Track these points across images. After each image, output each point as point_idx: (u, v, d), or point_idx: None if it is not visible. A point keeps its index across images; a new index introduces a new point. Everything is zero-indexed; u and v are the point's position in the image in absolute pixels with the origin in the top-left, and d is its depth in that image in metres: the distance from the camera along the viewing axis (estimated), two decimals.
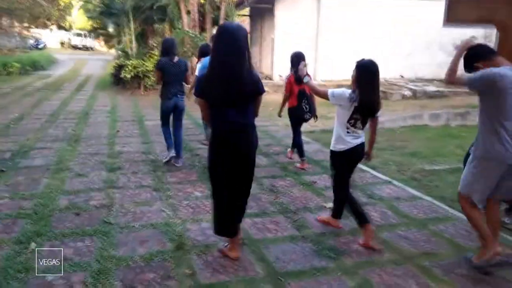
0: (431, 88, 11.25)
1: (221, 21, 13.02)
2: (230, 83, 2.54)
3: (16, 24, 32.34)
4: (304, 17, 14.47)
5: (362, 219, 3.12)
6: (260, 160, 5.43)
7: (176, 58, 5.04)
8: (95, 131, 6.98)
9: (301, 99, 5.02)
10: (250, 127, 2.74)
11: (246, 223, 3.40)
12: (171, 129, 5.26)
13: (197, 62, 6.10)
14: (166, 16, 14.41)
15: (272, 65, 15.00)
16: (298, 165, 5.19)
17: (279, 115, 5.45)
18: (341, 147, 3.10)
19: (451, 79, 2.72)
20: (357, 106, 2.97)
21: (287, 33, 14.37)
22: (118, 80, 12.59)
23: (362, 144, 3.15)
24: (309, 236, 3.26)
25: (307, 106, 5.06)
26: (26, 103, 9.97)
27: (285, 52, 14.14)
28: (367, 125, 3.16)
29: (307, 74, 3.29)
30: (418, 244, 3.17)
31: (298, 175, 4.83)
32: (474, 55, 2.73)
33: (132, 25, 12.83)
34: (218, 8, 13.55)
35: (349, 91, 3.01)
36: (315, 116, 5.25)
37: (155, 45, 13.34)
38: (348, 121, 3.04)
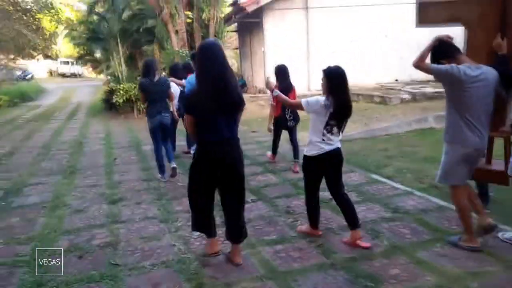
0: (429, 89, 11.09)
1: (212, 37, 12.87)
2: (223, 95, 2.64)
3: (1, 56, 32.10)
4: (293, 29, 14.38)
5: (314, 223, 3.40)
6: (268, 178, 5.16)
7: (156, 77, 5.20)
8: (91, 161, 6.66)
9: (284, 109, 5.42)
10: (237, 139, 2.86)
11: (267, 253, 3.10)
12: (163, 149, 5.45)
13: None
14: (154, 37, 14.24)
15: (264, 78, 14.82)
16: (292, 167, 5.51)
17: (269, 130, 5.79)
18: (314, 152, 3.18)
19: (419, 63, 2.98)
20: (332, 112, 3.05)
21: (278, 45, 14.26)
22: (110, 105, 12.30)
23: (335, 150, 3.19)
24: (339, 262, 2.95)
25: (290, 115, 5.52)
26: (17, 136, 9.62)
27: (276, 64, 14.05)
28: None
29: (275, 88, 3.41)
30: (460, 262, 2.88)
31: None
32: (441, 52, 2.99)
33: (120, 49, 12.61)
34: (207, 26, 13.42)
35: (323, 98, 3.08)
36: (296, 121, 5.65)
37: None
38: (324, 128, 3.10)
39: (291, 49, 14.22)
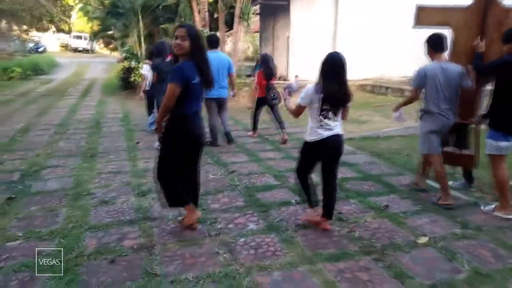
0: None
1: (236, 19, 12.29)
2: (209, 72, 3.07)
3: (15, 27, 31.58)
4: (321, 15, 13.72)
5: (311, 202, 3.43)
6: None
7: (168, 58, 5.63)
8: (112, 144, 6.23)
9: (268, 90, 6.43)
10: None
11: (330, 271, 2.67)
12: None
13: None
14: (175, 15, 13.68)
15: (287, 65, 14.25)
16: (278, 137, 6.44)
17: (249, 108, 6.82)
18: (312, 138, 3.22)
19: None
20: (324, 97, 3.08)
21: (304, 31, 13.63)
22: (127, 84, 11.84)
23: (334, 136, 3.17)
24: None
25: (273, 95, 6.45)
26: (31, 112, 9.23)
27: (302, 51, 13.42)
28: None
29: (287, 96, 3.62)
30: None
31: (361, 195, 4.07)
32: (430, 42, 3.85)
33: (141, 25, 12.07)
34: (232, 7, 12.81)
35: (312, 85, 3.14)
36: (279, 100, 6.44)
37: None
38: (319, 114, 3.13)
39: (318, 36, 13.59)
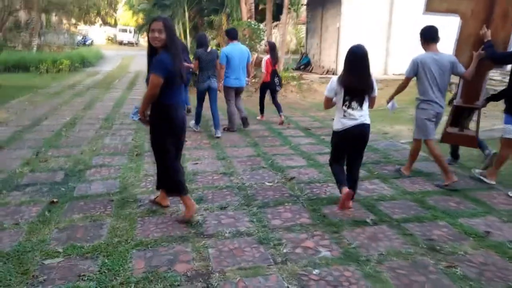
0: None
1: (285, 10, 11.68)
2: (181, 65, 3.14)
3: (64, 21, 32.58)
4: (375, 4, 12.81)
5: (343, 182, 3.41)
6: (382, 189, 4.05)
7: (209, 49, 6.25)
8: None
9: (273, 76, 7.09)
10: None
11: None
12: (204, 109, 6.45)
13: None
14: (221, 7, 13.26)
15: (336, 58, 13.47)
16: (278, 121, 7.19)
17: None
18: (338, 127, 3.39)
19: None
20: (344, 88, 3.25)
21: (356, 21, 12.79)
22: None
23: (359, 126, 3.30)
24: None
25: (277, 81, 7.18)
26: (77, 104, 9.12)
27: (354, 42, 12.65)
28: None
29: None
30: None
31: (450, 216, 3.39)
32: (423, 34, 4.13)
33: (187, 17, 11.72)
34: None
35: (336, 77, 3.37)
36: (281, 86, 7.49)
37: (212, 38, 12.17)
38: (343, 105, 3.30)
39: (371, 27, 12.71)
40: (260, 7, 14.90)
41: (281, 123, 7.11)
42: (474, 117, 4.63)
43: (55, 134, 6.22)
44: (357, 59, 3.25)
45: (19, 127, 6.66)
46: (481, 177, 4.17)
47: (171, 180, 3.33)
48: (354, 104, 3.27)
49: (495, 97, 4.30)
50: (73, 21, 32.43)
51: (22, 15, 21.05)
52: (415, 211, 3.49)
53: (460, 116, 4.52)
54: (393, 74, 12.75)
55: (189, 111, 7.46)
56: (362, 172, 4.51)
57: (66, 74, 15.88)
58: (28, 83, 12.77)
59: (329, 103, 3.48)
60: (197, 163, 4.85)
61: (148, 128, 3.29)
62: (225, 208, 3.52)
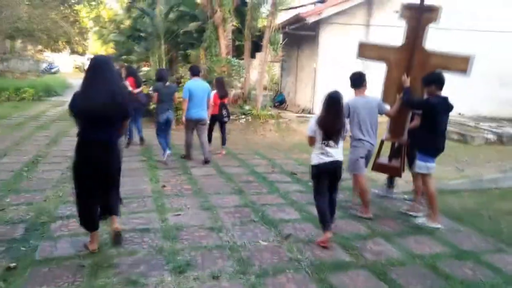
0: None
1: (265, 49, 11.61)
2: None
3: (30, 47, 31.41)
4: (351, 46, 12.98)
5: (326, 226, 3.69)
6: (388, 251, 3.68)
7: (167, 83, 6.87)
8: (135, 186, 5.31)
9: (221, 109, 7.41)
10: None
11: None
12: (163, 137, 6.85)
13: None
14: (196, 41, 13.06)
15: (313, 97, 13.45)
16: (219, 153, 7.52)
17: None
18: (315, 162, 3.73)
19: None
20: (322, 128, 3.64)
21: (332, 63, 12.88)
22: (145, 111, 11.03)
23: (334, 162, 3.68)
24: None
25: (225, 112, 7.51)
26: (41, 139, 8.38)
27: (329, 82, 12.68)
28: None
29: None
30: None
31: (468, 287, 3.08)
32: (352, 80, 4.67)
33: (163, 51, 11.39)
34: (259, 35, 12.17)
35: (314, 119, 3.74)
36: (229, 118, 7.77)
37: (181, 73, 11.83)
38: (322, 142, 3.68)
39: (346, 67, 12.82)
40: (236, 43, 14.83)
41: (221, 154, 7.58)
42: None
43: (15, 175, 5.53)
44: (334, 104, 3.63)
45: None
46: (426, 224, 4.39)
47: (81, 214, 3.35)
48: (331, 142, 3.65)
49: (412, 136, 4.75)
50: (40, 48, 31.39)
51: None
52: (431, 280, 3.15)
53: (390, 149, 5.10)
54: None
55: (142, 139, 8.32)
56: (363, 230, 4.18)
57: (29, 104, 14.95)
58: None
59: (313, 140, 3.78)
60: (179, 214, 4.34)
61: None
62: (218, 278, 3.04)
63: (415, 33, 4.63)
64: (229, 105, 11.87)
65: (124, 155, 7.11)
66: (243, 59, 12.49)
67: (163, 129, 6.76)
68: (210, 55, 11.52)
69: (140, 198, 4.82)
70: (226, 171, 6.38)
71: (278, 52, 11.18)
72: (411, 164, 4.84)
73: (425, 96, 4.43)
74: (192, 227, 4.01)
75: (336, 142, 3.66)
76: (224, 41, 11.83)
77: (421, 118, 4.44)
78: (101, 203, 3.39)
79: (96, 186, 3.24)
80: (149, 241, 3.63)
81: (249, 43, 12.13)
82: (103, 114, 3.08)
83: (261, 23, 12.53)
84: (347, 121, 3.89)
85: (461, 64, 4.45)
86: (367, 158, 4.59)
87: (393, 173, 5.17)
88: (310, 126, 3.75)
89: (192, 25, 13.11)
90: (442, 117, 4.33)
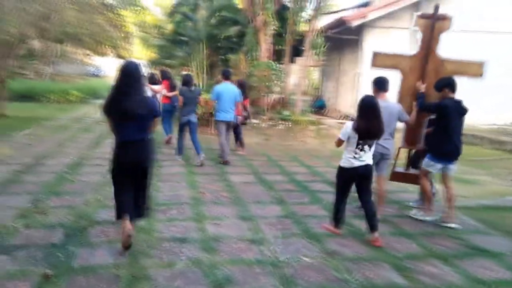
0: None
1: (306, 52, 11.34)
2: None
3: (78, 51, 32.79)
4: (398, 50, 12.47)
5: (337, 223, 4.02)
6: (446, 274, 3.31)
7: (193, 87, 7.10)
8: (173, 192, 5.21)
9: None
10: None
11: None
12: (184, 139, 7.21)
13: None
14: (237, 46, 12.99)
15: (355, 103, 12.99)
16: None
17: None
18: (346, 165, 3.83)
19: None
20: (358, 133, 3.68)
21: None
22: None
23: (365, 166, 3.79)
24: None
25: (246, 114, 8.19)
26: (85, 141, 8.56)
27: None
28: None
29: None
30: None
31: None
32: (375, 83, 4.55)
33: (205, 55, 11.39)
34: (299, 40, 11.91)
35: (351, 123, 3.78)
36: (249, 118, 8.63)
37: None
38: (356, 147, 3.74)
39: (391, 73, 12.31)
40: (277, 48, 14.63)
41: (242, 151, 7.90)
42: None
43: (57, 177, 5.59)
44: (369, 108, 3.66)
45: (19, 166, 6.05)
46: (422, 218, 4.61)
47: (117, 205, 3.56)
48: (366, 147, 3.71)
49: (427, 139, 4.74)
50: (87, 52, 32.66)
51: (36, 44, 21.04)
52: None
53: (407, 157, 5.15)
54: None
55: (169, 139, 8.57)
56: (416, 248, 3.82)
57: (74, 106, 15.51)
58: (36, 114, 12.34)
59: (341, 143, 3.89)
60: (218, 224, 4.17)
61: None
62: None
63: (429, 41, 4.77)
64: (268, 111, 11.73)
65: (165, 159, 7.12)
66: (282, 63, 12.27)
67: (183, 131, 7.09)
68: (251, 60, 11.39)
69: (179, 205, 4.69)
70: (266, 179, 6.17)
71: (320, 56, 10.83)
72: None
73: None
74: (231, 238, 3.82)
75: (370, 146, 3.74)
76: (265, 45, 11.67)
77: (435, 121, 4.48)
78: (133, 200, 3.48)
79: (130, 182, 3.43)
80: (187, 252, 3.47)
81: (289, 47, 11.90)
82: (135, 115, 3.25)
83: (301, 27, 12.24)
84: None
85: (476, 70, 4.74)
86: (381, 160, 4.50)
87: (412, 181, 5.03)
88: (345, 130, 3.78)
89: (233, 30, 13.08)
90: (455, 119, 4.36)
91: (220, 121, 7.10)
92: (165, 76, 8.88)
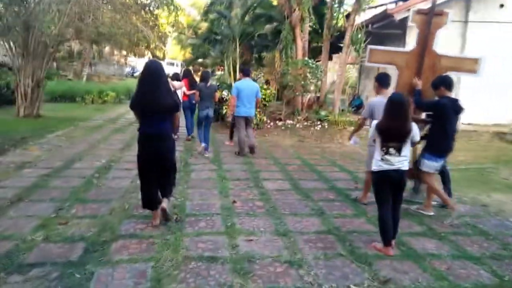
0: None
1: (345, 49, 10.71)
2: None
3: (115, 52, 33.46)
4: (444, 45, 11.57)
5: (386, 240, 3.51)
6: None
7: (209, 83, 7.61)
8: (203, 200, 4.83)
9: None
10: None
11: None
12: (203, 131, 7.60)
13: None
14: (273, 43, 12.53)
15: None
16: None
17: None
18: (375, 168, 3.58)
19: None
20: (384, 134, 3.48)
21: None
22: (217, 115, 10.76)
23: (396, 171, 3.47)
24: None
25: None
26: (116, 143, 8.38)
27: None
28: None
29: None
30: None
31: None
32: (379, 80, 4.73)
33: (238, 53, 11.01)
34: (337, 35, 11.29)
35: (375, 123, 3.62)
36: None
37: (262, 76, 11.35)
38: (381, 149, 3.51)
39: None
40: (312, 45, 14.05)
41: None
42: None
43: (85, 182, 5.35)
44: (394, 108, 3.43)
45: (48, 169, 5.87)
46: (420, 211, 4.66)
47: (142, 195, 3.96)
48: (391, 150, 3.45)
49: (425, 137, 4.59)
50: (124, 52, 33.30)
51: (75, 45, 21.54)
52: None
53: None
54: (462, 124, 11.27)
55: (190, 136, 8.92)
56: (487, 277, 3.21)
57: (110, 106, 15.60)
58: (71, 114, 12.43)
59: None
60: (251, 240, 3.72)
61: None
62: None
63: (426, 37, 4.77)
64: (304, 111, 11.20)
65: (195, 163, 6.78)
66: (318, 61, 11.70)
67: (202, 125, 7.52)
68: (286, 57, 10.89)
69: (209, 216, 4.29)
70: (302, 186, 5.67)
71: (360, 52, 10.18)
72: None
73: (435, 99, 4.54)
74: (266, 258, 3.36)
75: (398, 149, 3.46)
76: (301, 42, 11.13)
77: (433, 119, 4.49)
78: (158, 187, 3.90)
79: (154, 172, 3.78)
80: (216, 275, 3.04)
81: (327, 44, 11.30)
82: (157, 110, 3.60)
83: (340, 22, 11.61)
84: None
85: (472, 66, 4.77)
86: None
87: (407, 176, 4.76)
88: (372, 130, 3.62)
89: (268, 28, 12.65)
90: (452, 118, 4.40)
91: (239, 117, 7.39)
92: (186, 75, 9.17)
